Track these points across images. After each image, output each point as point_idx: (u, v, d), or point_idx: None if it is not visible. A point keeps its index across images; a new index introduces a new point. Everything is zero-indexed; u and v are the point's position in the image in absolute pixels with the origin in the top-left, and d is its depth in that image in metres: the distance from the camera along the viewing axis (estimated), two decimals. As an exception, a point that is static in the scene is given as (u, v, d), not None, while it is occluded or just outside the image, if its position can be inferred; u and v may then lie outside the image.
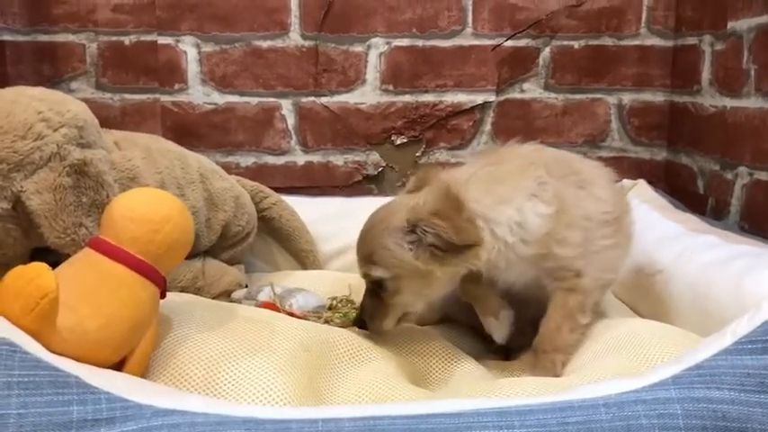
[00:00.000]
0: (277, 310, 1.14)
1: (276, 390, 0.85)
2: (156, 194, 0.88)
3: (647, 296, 1.32)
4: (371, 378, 0.95)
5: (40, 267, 0.73)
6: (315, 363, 0.94)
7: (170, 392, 0.77)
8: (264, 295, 1.18)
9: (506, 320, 1.09)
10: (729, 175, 1.51)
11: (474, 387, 0.92)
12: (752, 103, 1.42)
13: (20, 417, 0.64)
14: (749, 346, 0.73)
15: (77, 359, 0.75)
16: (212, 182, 1.26)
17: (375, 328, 1.04)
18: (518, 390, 0.87)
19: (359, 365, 0.98)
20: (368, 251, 1.01)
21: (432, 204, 0.96)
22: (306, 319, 1.13)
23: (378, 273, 1.00)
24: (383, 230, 1.00)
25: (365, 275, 1.03)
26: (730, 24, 1.50)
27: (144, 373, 0.86)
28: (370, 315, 1.04)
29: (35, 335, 0.72)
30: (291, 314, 1.14)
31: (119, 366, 0.82)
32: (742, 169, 1.46)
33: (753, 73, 1.42)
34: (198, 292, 1.19)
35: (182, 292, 1.18)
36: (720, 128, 1.54)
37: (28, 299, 0.71)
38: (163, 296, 0.89)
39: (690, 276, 1.19)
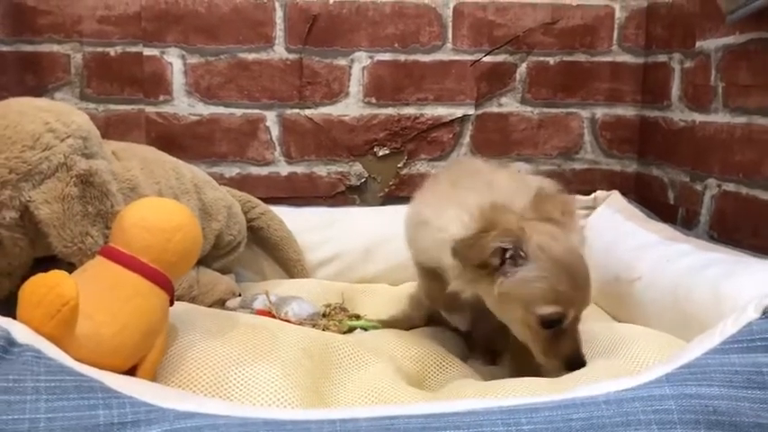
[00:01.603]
0: (273, 317, 1.16)
1: (283, 394, 0.87)
2: (167, 204, 0.90)
3: (625, 303, 1.37)
4: (374, 381, 0.97)
5: (60, 275, 0.75)
6: (318, 367, 0.97)
7: (188, 396, 0.79)
8: (259, 303, 1.20)
9: (466, 314, 1.15)
10: (699, 187, 1.58)
11: (479, 388, 0.96)
12: (720, 118, 1.50)
13: (49, 421, 0.65)
14: (736, 346, 0.78)
15: (93, 365, 0.77)
16: (206, 192, 1.28)
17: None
18: (523, 390, 0.91)
19: (360, 369, 1.01)
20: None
21: None
22: (302, 327, 1.15)
23: None
24: None
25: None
26: (698, 44, 1.58)
27: (153, 379, 0.88)
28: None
29: (56, 341, 0.73)
30: (287, 322, 1.16)
31: (130, 373, 0.84)
32: (711, 181, 1.54)
33: (720, 90, 1.50)
34: (193, 300, 1.21)
35: (177, 300, 1.19)
36: (690, 141, 1.61)
37: (49, 306, 0.73)
38: (171, 303, 0.91)
39: (668, 283, 1.25)
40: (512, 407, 0.74)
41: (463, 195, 1.05)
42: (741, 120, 1.43)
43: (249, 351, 0.94)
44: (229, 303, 1.25)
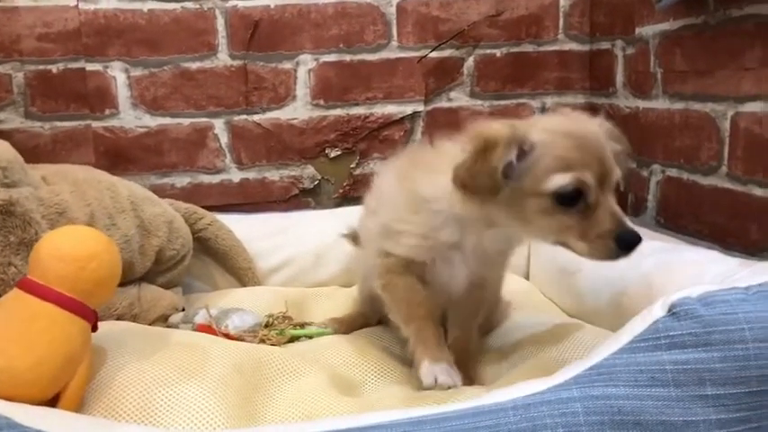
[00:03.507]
0: (213, 332, 1.17)
1: (209, 413, 0.88)
2: (82, 232, 0.91)
3: (570, 295, 1.39)
4: (303, 394, 0.98)
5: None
6: (248, 383, 0.98)
7: (105, 425, 0.80)
8: (201, 318, 1.21)
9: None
10: (645, 173, 1.59)
11: (398, 397, 0.97)
12: (660, 104, 1.51)
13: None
14: (642, 344, 0.80)
15: (11, 399, 0.77)
16: (144, 208, 1.28)
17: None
18: (438, 398, 0.92)
19: (291, 382, 1.02)
20: (612, 149, 0.93)
21: None
22: (241, 340, 1.16)
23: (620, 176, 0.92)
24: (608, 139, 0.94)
25: (618, 179, 0.92)
26: (638, 30, 1.58)
27: (80, 405, 0.89)
28: None
29: (-34, 378, 0.74)
30: (227, 335, 1.17)
31: (54, 402, 0.85)
32: (655, 167, 1.55)
33: (659, 76, 1.50)
34: (135, 318, 1.22)
35: (118, 319, 1.20)
36: (635, 128, 1.62)
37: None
38: (94, 329, 0.92)
39: (606, 275, 1.26)
40: (419, 418, 0.75)
41: (433, 164, 1.00)
42: (679, 106, 1.44)
43: (178, 371, 0.95)
44: (172, 319, 1.26)
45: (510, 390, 0.79)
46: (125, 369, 0.94)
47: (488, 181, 0.87)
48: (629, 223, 0.89)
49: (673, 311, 0.80)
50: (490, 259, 1.05)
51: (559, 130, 0.90)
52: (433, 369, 0.98)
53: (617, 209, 0.89)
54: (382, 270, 1.05)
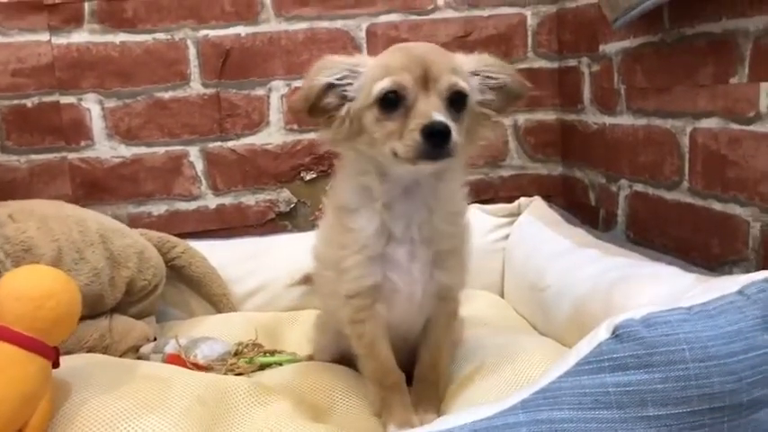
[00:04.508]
0: (183, 362, 1.18)
1: (171, 445, 0.89)
2: (39, 271, 0.92)
3: (540, 312, 1.40)
4: (269, 422, 0.99)
5: None
6: (212, 414, 0.99)
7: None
8: (171, 348, 1.22)
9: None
10: (614, 188, 1.61)
11: (366, 422, 0.99)
12: (625, 120, 1.53)
13: None
14: (587, 367, 0.81)
15: (-33, 439, 0.79)
16: (113, 240, 1.30)
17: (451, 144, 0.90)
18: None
19: (257, 409, 1.03)
20: (451, 62, 0.95)
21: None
22: (210, 369, 1.18)
23: (464, 85, 0.93)
24: (453, 56, 0.98)
25: (452, 85, 0.92)
26: (602, 47, 1.61)
27: (42, 442, 0.90)
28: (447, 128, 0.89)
29: None
30: (196, 364, 1.18)
31: (14, 439, 0.86)
32: (623, 182, 1.57)
33: (623, 92, 1.53)
34: (106, 350, 1.23)
35: (89, 351, 1.21)
36: (603, 144, 1.64)
37: None
38: (56, 366, 0.93)
39: (571, 292, 1.28)
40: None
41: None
42: (642, 122, 1.46)
43: (140, 404, 0.96)
44: (142, 350, 1.27)
45: (460, 415, 0.81)
46: (88, 403, 0.96)
47: (305, 101, 0.96)
48: (438, 116, 0.89)
49: (616, 333, 0.82)
50: (434, 230, 1.02)
51: (391, 49, 0.98)
52: None
53: (432, 106, 0.90)
54: (349, 317, 1.05)
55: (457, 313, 1.13)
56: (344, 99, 0.96)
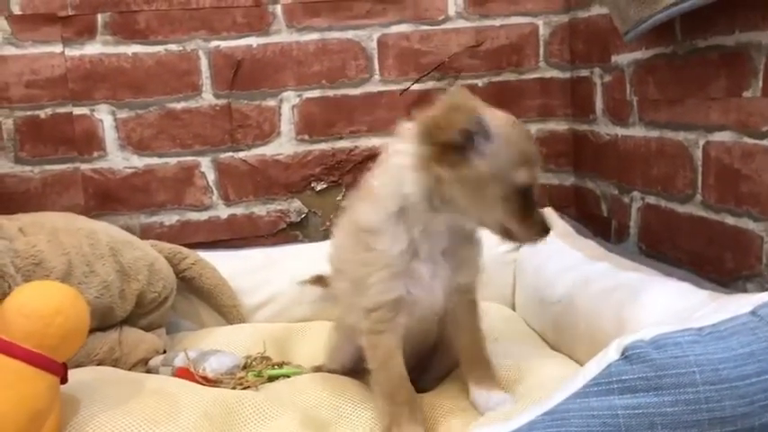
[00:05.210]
0: (192, 376, 1.18)
1: (177, 462, 0.90)
2: (47, 287, 0.93)
3: (551, 326, 1.39)
4: (275, 436, 1.00)
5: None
6: (217, 429, 0.99)
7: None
8: (180, 361, 1.22)
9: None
10: (626, 199, 1.60)
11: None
12: (637, 131, 1.52)
13: None
14: (595, 389, 0.80)
15: (-25, 456, 0.80)
16: (123, 253, 1.31)
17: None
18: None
19: (263, 425, 1.03)
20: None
21: None
22: (219, 382, 1.18)
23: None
24: None
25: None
26: (614, 58, 1.60)
27: (49, 458, 0.90)
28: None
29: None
30: (205, 378, 1.18)
31: (22, 456, 0.86)
32: (635, 194, 1.55)
33: (635, 104, 1.51)
34: (115, 363, 1.24)
35: (99, 364, 1.22)
36: (615, 155, 1.63)
37: None
38: (64, 381, 0.93)
39: (582, 306, 1.26)
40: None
41: (364, 195, 1.09)
42: (654, 134, 1.45)
43: (148, 419, 0.97)
44: (152, 362, 1.28)
45: (467, 435, 0.80)
46: (96, 419, 0.96)
47: (451, 135, 0.93)
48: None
49: (626, 354, 0.81)
50: (457, 255, 1.06)
51: (509, 123, 0.99)
52: None
53: (542, 199, 1.03)
54: (366, 330, 1.05)
55: (477, 301, 1.14)
56: (470, 149, 0.94)
